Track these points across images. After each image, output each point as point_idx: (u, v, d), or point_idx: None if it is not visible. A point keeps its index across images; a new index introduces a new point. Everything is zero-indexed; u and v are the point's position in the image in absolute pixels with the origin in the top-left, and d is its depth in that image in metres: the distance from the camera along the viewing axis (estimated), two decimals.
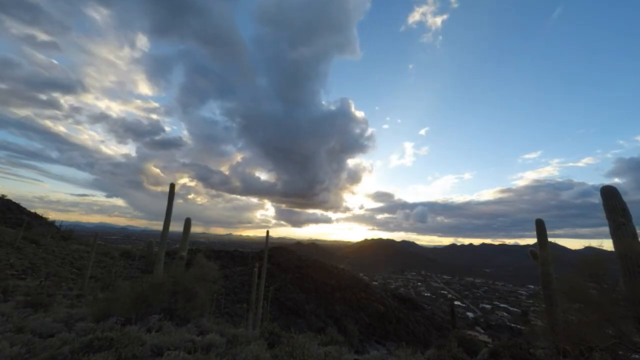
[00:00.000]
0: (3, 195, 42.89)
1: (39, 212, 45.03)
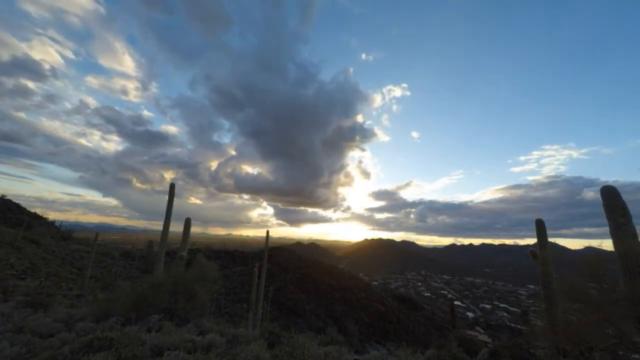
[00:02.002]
0: (3, 195, 42.91)
1: (39, 212, 45.09)
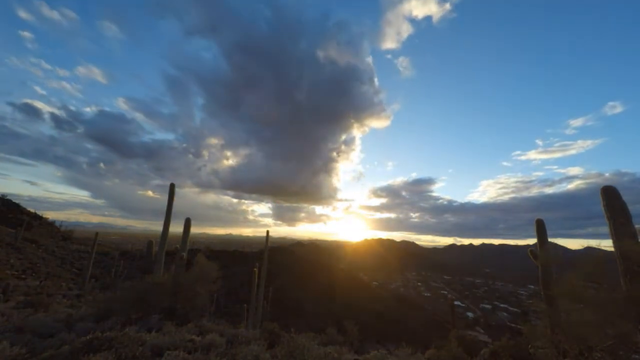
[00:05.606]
0: (3, 195, 42.93)
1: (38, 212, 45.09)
